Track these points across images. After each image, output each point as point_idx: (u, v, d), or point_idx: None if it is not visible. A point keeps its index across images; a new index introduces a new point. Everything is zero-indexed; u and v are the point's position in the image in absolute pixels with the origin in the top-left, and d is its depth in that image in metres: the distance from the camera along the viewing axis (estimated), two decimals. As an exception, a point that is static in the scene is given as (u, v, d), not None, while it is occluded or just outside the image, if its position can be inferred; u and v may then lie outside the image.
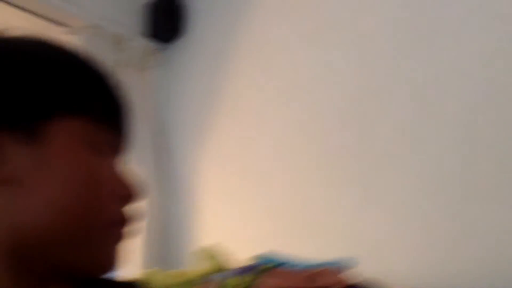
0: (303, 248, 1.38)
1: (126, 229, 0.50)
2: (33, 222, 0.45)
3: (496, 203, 1.14)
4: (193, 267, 1.25)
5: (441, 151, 1.25)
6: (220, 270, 1.15)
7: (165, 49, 2.11)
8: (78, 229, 0.46)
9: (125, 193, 0.51)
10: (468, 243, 1.14)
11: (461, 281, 1.11)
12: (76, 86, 0.50)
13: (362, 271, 1.16)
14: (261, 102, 1.75)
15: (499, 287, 1.09)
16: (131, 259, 1.85)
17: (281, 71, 1.70)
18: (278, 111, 1.68)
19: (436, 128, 1.28)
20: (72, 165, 0.47)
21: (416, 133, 1.31)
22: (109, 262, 0.49)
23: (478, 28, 1.25)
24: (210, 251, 1.30)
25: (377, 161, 1.40)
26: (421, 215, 1.25)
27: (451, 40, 1.30)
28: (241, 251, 1.32)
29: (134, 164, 1.82)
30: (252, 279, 1.05)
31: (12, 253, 0.44)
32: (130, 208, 0.51)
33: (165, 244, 1.91)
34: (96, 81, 0.52)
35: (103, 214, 0.49)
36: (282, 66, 1.70)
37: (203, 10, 2.01)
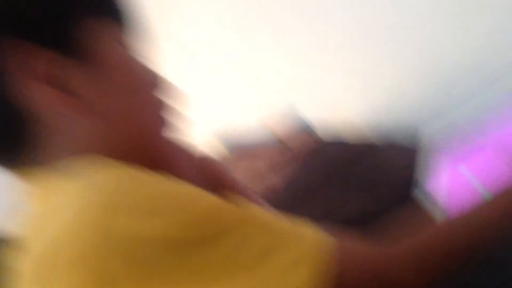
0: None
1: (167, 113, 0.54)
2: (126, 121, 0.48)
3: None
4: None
5: None
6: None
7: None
8: (142, 125, 0.50)
9: (157, 81, 0.53)
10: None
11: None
12: None
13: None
14: None
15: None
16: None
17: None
18: None
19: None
20: (120, 64, 0.49)
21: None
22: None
23: None
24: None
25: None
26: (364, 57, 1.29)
27: None
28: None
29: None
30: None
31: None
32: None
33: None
34: None
35: (152, 106, 0.51)
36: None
37: None
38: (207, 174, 0.61)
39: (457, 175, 0.78)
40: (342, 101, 1.38)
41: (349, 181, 0.93)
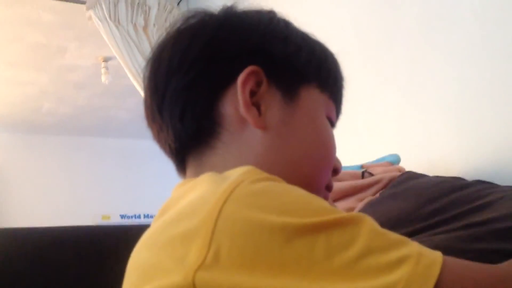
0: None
1: (326, 197, 0.58)
2: (286, 158, 0.53)
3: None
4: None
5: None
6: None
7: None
8: (305, 177, 0.53)
9: (337, 166, 0.59)
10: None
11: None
12: (332, 68, 0.59)
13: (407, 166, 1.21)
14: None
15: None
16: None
17: None
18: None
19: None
20: (313, 124, 0.56)
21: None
22: None
23: None
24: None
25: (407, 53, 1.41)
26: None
27: None
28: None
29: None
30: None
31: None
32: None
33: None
34: (338, 66, 0.61)
35: (324, 176, 0.56)
36: None
37: None
38: None
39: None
40: (435, 137, 1.34)
41: (435, 214, 0.89)
